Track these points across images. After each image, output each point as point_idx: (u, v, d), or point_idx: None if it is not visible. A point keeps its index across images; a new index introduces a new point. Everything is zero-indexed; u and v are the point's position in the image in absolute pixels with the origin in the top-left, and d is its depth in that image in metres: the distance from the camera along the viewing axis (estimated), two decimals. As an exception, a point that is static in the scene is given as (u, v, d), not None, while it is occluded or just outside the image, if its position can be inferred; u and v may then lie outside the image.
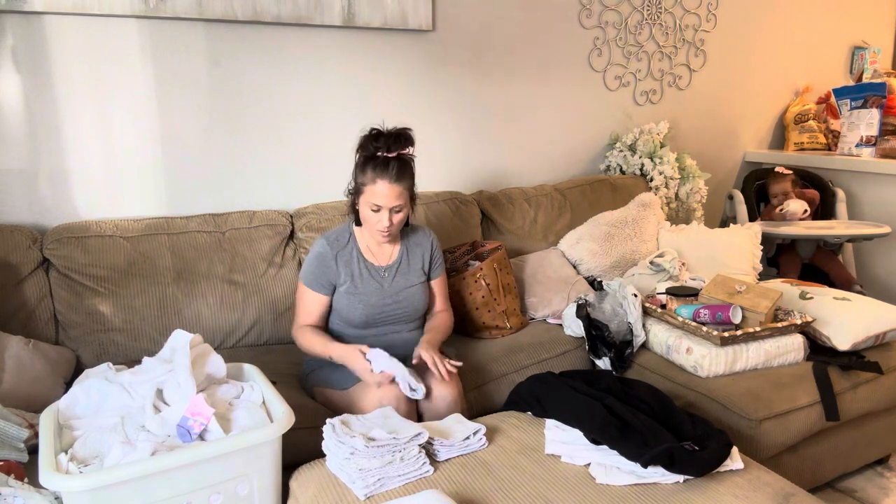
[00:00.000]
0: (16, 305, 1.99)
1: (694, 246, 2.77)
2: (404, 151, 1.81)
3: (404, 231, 2.00)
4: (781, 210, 3.14)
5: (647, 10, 3.21)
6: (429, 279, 2.03)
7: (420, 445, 1.48)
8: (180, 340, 1.57)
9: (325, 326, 1.96)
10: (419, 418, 1.80)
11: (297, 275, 2.32)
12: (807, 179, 3.39)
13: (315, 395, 1.91)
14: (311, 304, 1.92)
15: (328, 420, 1.54)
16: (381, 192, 1.77)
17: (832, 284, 2.90)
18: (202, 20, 2.29)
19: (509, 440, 1.62)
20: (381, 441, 1.42)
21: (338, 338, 1.92)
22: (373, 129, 1.82)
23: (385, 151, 1.78)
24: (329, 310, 1.95)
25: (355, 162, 1.85)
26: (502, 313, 2.34)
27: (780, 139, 3.90)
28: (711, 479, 1.45)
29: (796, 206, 3.13)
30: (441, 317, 2.04)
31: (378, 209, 1.80)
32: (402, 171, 1.79)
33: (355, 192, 1.86)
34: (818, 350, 2.14)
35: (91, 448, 1.37)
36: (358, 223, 1.92)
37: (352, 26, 2.51)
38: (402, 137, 1.80)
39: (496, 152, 2.98)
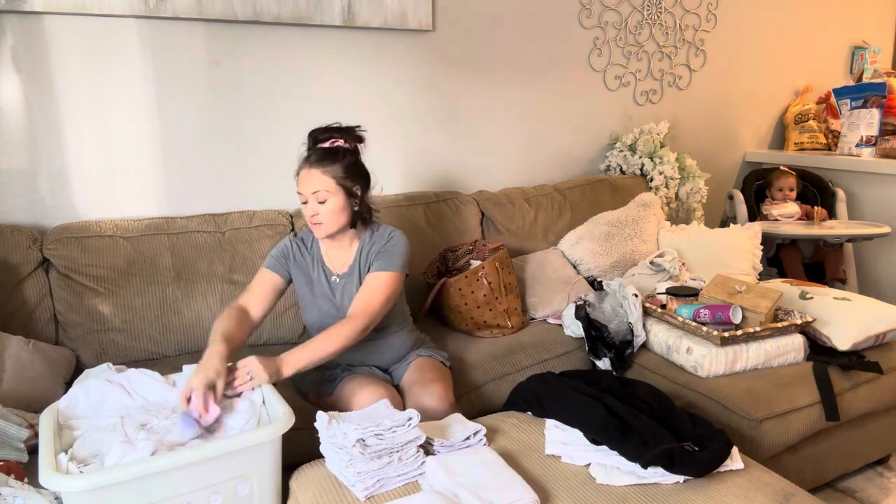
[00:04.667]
0: (16, 305, 1.99)
1: (694, 246, 2.77)
2: (331, 143, 1.78)
3: (367, 232, 1.87)
4: (778, 208, 3.22)
5: (647, 10, 3.21)
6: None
7: (419, 445, 1.47)
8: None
9: (259, 315, 1.80)
10: None
11: (297, 275, 2.33)
12: (807, 179, 3.39)
13: (309, 398, 1.90)
14: (258, 280, 1.83)
15: (319, 414, 1.50)
16: (301, 179, 1.77)
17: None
18: (202, 20, 2.29)
19: (509, 440, 1.61)
20: (375, 448, 1.42)
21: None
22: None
23: (311, 146, 1.80)
24: (274, 300, 1.84)
25: None
26: (503, 312, 2.34)
27: (780, 139, 3.90)
28: (711, 479, 1.45)
29: (792, 208, 3.22)
30: (338, 327, 1.67)
31: (305, 201, 1.77)
32: (324, 157, 1.75)
33: None
34: (818, 350, 2.14)
35: (91, 448, 1.37)
36: None
37: (352, 26, 2.51)
38: (330, 129, 1.79)
39: (496, 152, 2.98)
